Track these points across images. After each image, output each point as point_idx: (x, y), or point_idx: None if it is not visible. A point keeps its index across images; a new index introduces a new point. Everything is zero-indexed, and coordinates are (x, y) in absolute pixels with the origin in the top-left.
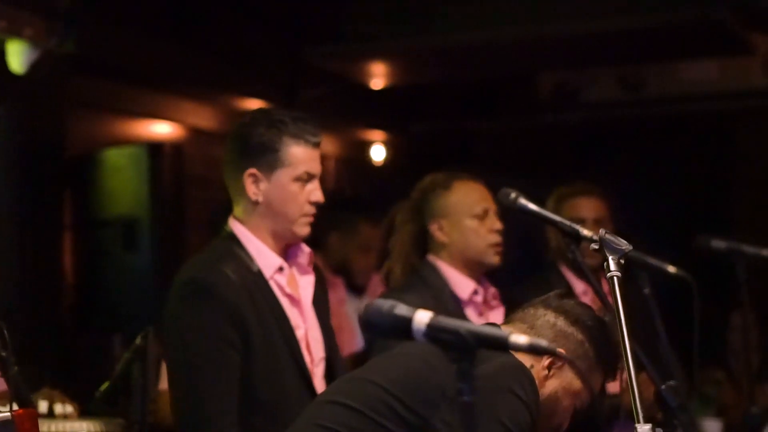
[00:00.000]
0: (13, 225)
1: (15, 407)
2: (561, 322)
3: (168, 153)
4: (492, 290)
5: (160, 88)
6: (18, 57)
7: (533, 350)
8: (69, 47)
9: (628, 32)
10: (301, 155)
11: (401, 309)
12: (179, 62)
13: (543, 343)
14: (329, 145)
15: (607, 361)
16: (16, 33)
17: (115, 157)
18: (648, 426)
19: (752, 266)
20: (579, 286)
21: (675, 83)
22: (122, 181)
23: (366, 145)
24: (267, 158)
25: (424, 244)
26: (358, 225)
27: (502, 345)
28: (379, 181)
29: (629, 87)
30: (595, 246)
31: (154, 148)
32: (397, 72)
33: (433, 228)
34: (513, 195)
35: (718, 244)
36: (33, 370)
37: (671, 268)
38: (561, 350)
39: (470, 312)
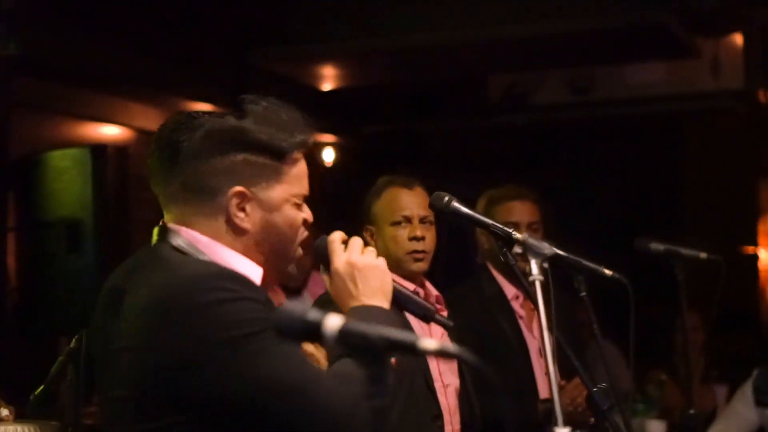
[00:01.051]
0: None
1: None
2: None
3: (112, 154)
4: (435, 294)
5: (105, 90)
6: None
7: (443, 354)
8: (11, 48)
9: (577, 35)
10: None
11: (312, 314)
12: (124, 64)
13: (452, 347)
14: None
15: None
16: None
17: (58, 159)
18: (567, 429)
19: (698, 268)
20: (510, 290)
21: (623, 86)
22: (66, 182)
23: (316, 147)
24: None
25: None
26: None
27: (410, 348)
28: (329, 183)
29: (578, 90)
30: (518, 249)
31: (98, 150)
32: (346, 74)
33: (366, 235)
34: (446, 198)
35: (657, 246)
36: None
37: (607, 271)
38: (467, 355)
39: (408, 314)
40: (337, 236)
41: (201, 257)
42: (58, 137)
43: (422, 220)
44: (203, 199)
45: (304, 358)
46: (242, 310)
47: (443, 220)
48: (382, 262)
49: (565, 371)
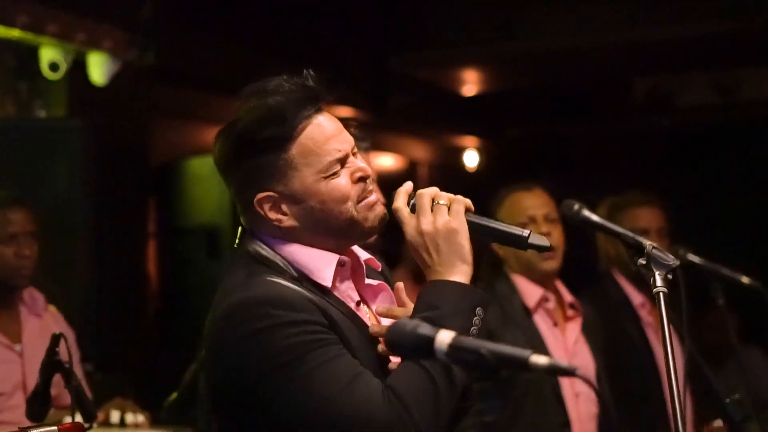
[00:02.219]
0: (98, 234)
1: (78, 418)
2: None
3: None
4: (569, 299)
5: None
6: (99, 69)
7: (553, 371)
8: (149, 58)
9: (722, 36)
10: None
11: (424, 329)
12: (263, 70)
13: (563, 364)
14: (421, 151)
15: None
16: (96, 45)
17: (197, 166)
18: None
19: None
20: (637, 297)
21: None
22: (205, 189)
23: (459, 151)
24: None
25: (498, 262)
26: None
27: (522, 365)
28: (472, 186)
29: (723, 91)
30: (642, 261)
31: None
32: (489, 78)
33: (495, 245)
34: (576, 206)
35: None
36: (115, 378)
37: (745, 279)
38: (583, 374)
39: (542, 320)
40: (400, 201)
41: (276, 259)
42: (198, 144)
43: (546, 218)
44: (248, 211)
45: (349, 377)
46: (279, 337)
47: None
48: (456, 222)
49: (697, 382)
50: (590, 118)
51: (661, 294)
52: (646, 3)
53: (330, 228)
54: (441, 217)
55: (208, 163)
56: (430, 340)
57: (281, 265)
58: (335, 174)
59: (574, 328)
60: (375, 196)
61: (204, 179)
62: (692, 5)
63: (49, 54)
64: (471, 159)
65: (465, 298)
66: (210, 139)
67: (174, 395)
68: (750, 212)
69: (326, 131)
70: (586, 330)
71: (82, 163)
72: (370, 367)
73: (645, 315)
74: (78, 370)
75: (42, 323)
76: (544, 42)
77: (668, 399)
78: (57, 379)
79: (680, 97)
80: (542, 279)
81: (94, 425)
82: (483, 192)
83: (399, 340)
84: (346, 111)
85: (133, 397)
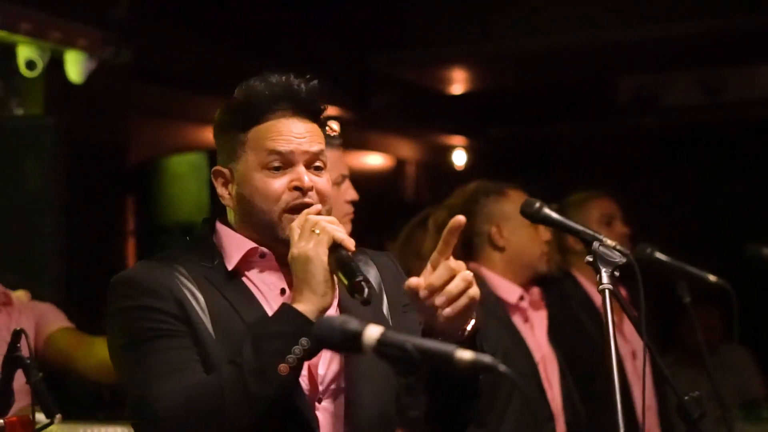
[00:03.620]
0: (77, 232)
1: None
2: None
3: None
4: (536, 290)
5: (221, 94)
6: (75, 67)
7: (478, 367)
8: (125, 56)
9: (708, 35)
10: (330, 160)
11: (352, 324)
12: (241, 68)
13: (487, 359)
14: (409, 150)
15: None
16: (71, 44)
17: (175, 165)
18: None
19: None
20: (598, 297)
21: (755, 87)
22: (183, 187)
23: (447, 150)
24: None
25: (469, 250)
26: (413, 233)
27: (447, 360)
28: (461, 185)
29: (709, 90)
30: (588, 258)
31: (215, 155)
32: (475, 77)
33: (493, 231)
34: (537, 205)
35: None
36: None
37: (711, 277)
38: (505, 368)
39: (516, 318)
40: (296, 222)
41: (203, 240)
42: (175, 142)
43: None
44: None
45: (165, 371)
46: (128, 319)
47: None
48: (313, 251)
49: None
50: (577, 117)
51: (606, 291)
52: (632, 1)
53: (251, 221)
54: (305, 244)
55: (185, 161)
56: (357, 335)
57: (206, 249)
58: (274, 171)
59: (541, 321)
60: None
61: (182, 177)
62: (677, 4)
63: (25, 52)
64: (459, 158)
65: (291, 324)
66: (187, 138)
67: None
68: (736, 211)
69: (285, 128)
70: (550, 324)
71: (57, 160)
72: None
73: (524, 307)
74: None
75: (6, 315)
76: (529, 41)
77: (635, 393)
78: None
79: (666, 97)
80: (525, 277)
81: (55, 421)
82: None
83: (327, 334)
84: (329, 110)
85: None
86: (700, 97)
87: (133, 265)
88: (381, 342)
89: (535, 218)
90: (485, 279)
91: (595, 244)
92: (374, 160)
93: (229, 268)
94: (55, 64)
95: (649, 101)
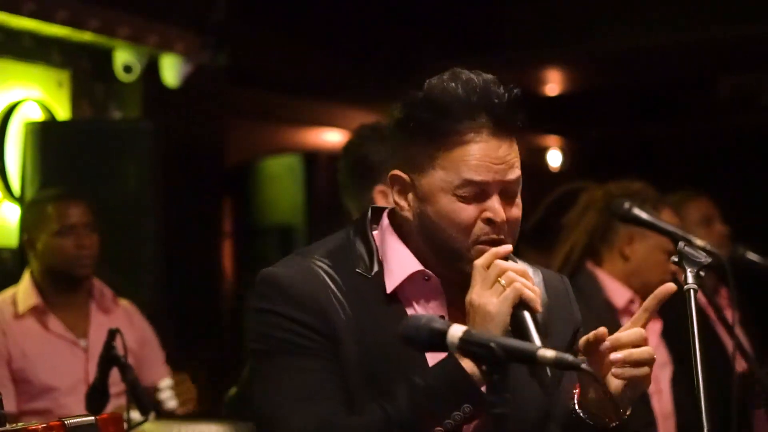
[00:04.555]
0: (175, 234)
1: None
2: None
3: (324, 161)
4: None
5: (317, 96)
6: (172, 71)
7: (560, 365)
8: (222, 60)
9: None
10: None
11: (437, 322)
12: (336, 70)
13: (569, 357)
14: None
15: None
16: (168, 48)
17: (272, 166)
18: None
19: None
20: (624, 295)
21: None
22: (279, 189)
23: (542, 151)
24: None
25: (590, 253)
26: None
27: (530, 359)
28: (556, 186)
29: None
30: (674, 258)
31: (310, 157)
32: (571, 78)
33: (623, 235)
34: (627, 205)
35: None
36: (189, 374)
37: None
38: (587, 366)
39: (625, 321)
40: (482, 260)
41: (362, 245)
42: (272, 144)
43: None
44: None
45: (300, 396)
46: (269, 324)
47: None
48: (497, 307)
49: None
50: (674, 117)
51: (691, 291)
52: (730, 0)
53: (434, 244)
54: (489, 296)
55: (282, 164)
56: (442, 334)
57: (365, 254)
58: (465, 198)
59: (653, 327)
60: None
61: (278, 179)
62: None
63: (122, 56)
64: (554, 159)
65: (459, 388)
66: (283, 140)
67: (233, 390)
68: None
69: (482, 153)
70: (666, 333)
71: (154, 163)
72: (390, 385)
73: (635, 310)
74: (161, 369)
75: (110, 319)
76: (626, 41)
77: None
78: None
79: (765, 96)
80: (638, 286)
81: (149, 418)
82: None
83: (413, 333)
84: None
85: (207, 395)
86: None
87: (284, 261)
88: (464, 340)
89: (625, 218)
90: (597, 279)
91: (681, 243)
92: None
93: (389, 289)
94: (152, 68)
95: (748, 100)
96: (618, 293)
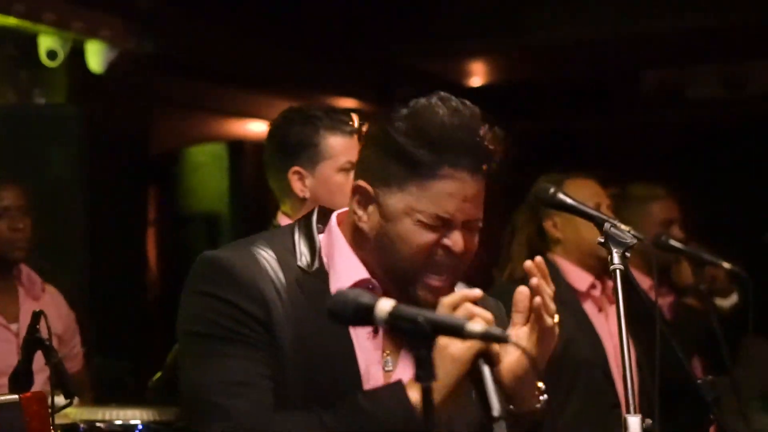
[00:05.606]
0: (100, 221)
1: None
2: None
3: (249, 150)
4: (611, 285)
5: (245, 86)
6: (97, 57)
7: (488, 338)
8: (148, 47)
9: (732, 29)
10: (340, 146)
11: (364, 297)
12: (264, 60)
13: (497, 330)
14: None
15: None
16: (94, 33)
17: (197, 154)
18: (637, 417)
19: None
20: (586, 281)
21: None
22: (204, 177)
23: None
24: (308, 154)
25: (542, 243)
26: None
27: (458, 332)
28: None
29: (732, 85)
30: (600, 239)
31: (235, 146)
32: (496, 70)
33: (548, 225)
34: (552, 189)
35: None
36: (112, 362)
37: (726, 264)
38: (514, 340)
39: (589, 306)
40: (449, 300)
41: (316, 246)
42: (197, 133)
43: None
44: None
45: (238, 380)
46: (209, 308)
47: None
48: (461, 352)
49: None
50: (599, 111)
51: (617, 271)
52: None
53: (386, 261)
54: (457, 339)
55: (207, 152)
56: (370, 308)
57: (309, 250)
58: (428, 227)
59: (616, 313)
60: (442, 281)
61: (203, 167)
62: None
63: (47, 42)
64: None
65: (403, 417)
66: (209, 128)
67: (158, 375)
68: (758, 205)
69: (456, 191)
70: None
71: (79, 149)
72: (320, 389)
73: (597, 295)
74: (78, 352)
75: (39, 305)
76: (552, 34)
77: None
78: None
79: (690, 90)
80: (594, 265)
81: (74, 402)
82: (490, 184)
83: (341, 307)
84: (350, 102)
85: (131, 382)
86: (723, 91)
87: (229, 246)
88: (393, 315)
89: (549, 203)
90: (558, 266)
91: (606, 225)
92: None
93: (333, 290)
94: (77, 54)
95: (673, 94)
96: (579, 278)
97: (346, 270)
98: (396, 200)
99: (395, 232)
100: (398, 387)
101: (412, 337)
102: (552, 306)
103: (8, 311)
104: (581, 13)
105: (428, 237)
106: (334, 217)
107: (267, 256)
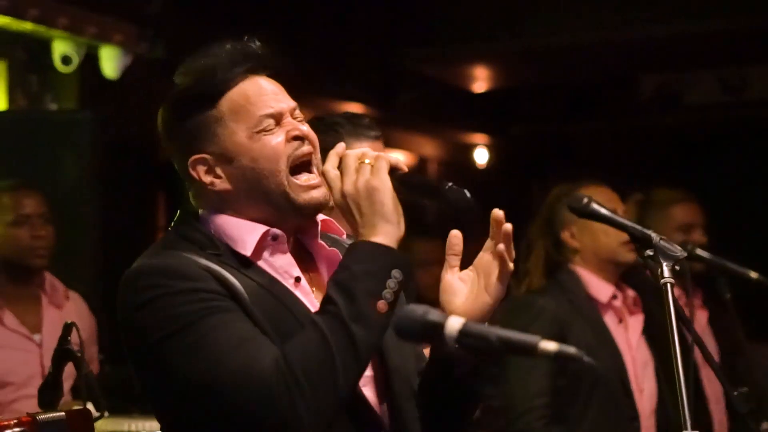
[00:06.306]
0: (107, 226)
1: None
2: None
3: None
4: (632, 295)
5: None
6: (111, 62)
7: (561, 358)
8: (159, 51)
9: (730, 34)
10: None
11: (433, 315)
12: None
13: (571, 349)
14: (431, 148)
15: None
16: (107, 39)
17: None
18: None
19: None
20: (607, 291)
21: None
22: None
23: (469, 148)
24: None
25: (559, 255)
26: (411, 245)
27: (530, 351)
28: (483, 184)
29: (730, 89)
30: (649, 252)
31: None
32: (497, 75)
33: (565, 236)
34: (585, 200)
35: None
36: (124, 370)
37: (753, 274)
38: (590, 360)
39: (609, 317)
40: (329, 164)
41: (197, 234)
42: None
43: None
44: (188, 183)
45: (238, 341)
46: (170, 305)
47: None
48: (376, 179)
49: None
50: (598, 115)
51: (668, 285)
52: (654, 0)
53: (262, 191)
54: (362, 176)
55: None
56: (439, 326)
57: (204, 238)
58: (268, 131)
59: (636, 324)
60: (314, 177)
61: None
62: (699, 2)
63: (61, 47)
64: (481, 156)
65: (377, 259)
66: None
67: None
68: (757, 211)
69: (260, 88)
70: (647, 330)
71: (91, 155)
72: (293, 332)
73: (616, 308)
74: (95, 359)
75: (62, 313)
76: (552, 39)
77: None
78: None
79: (687, 95)
80: (613, 273)
81: (105, 414)
82: (493, 189)
83: (408, 326)
84: (354, 107)
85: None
86: (721, 96)
87: (146, 255)
88: (463, 333)
89: (582, 214)
90: (580, 277)
91: (655, 237)
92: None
93: (248, 253)
94: (90, 60)
95: (671, 100)
96: (600, 288)
97: (246, 232)
98: (227, 138)
99: (251, 158)
100: (362, 244)
101: (484, 355)
102: (513, 252)
103: (31, 321)
104: (581, 18)
105: (275, 139)
106: (199, 213)
107: (183, 253)
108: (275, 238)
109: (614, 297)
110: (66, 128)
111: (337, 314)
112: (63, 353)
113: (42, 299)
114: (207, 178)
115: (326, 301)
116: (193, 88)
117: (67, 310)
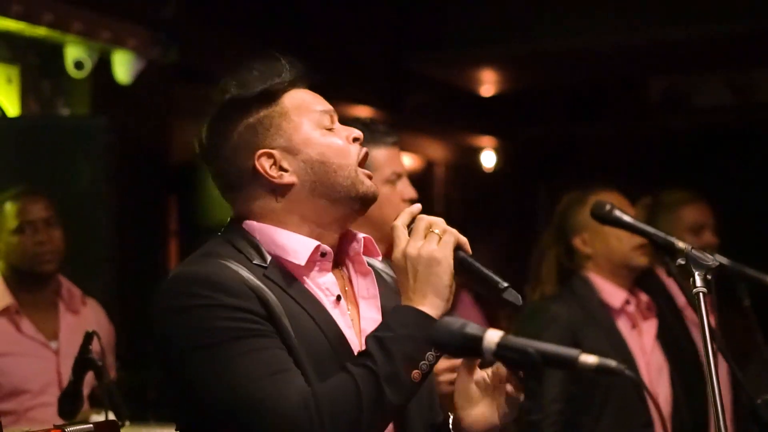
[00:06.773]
0: (119, 231)
1: (111, 416)
2: None
3: None
4: (645, 300)
5: None
6: (124, 67)
7: (602, 371)
8: (172, 57)
9: (739, 37)
10: (384, 157)
11: (472, 328)
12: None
13: (612, 363)
14: (439, 151)
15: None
16: (120, 43)
17: None
18: None
19: None
20: (619, 297)
21: None
22: None
23: (476, 151)
24: None
25: (571, 261)
26: None
27: (570, 365)
28: (489, 187)
29: (739, 92)
30: (681, 261)
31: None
32: (506, 78)
33: (577, 242)
34: (608, 206)
35: None
36: (138, 376)
37: None
38: (630, 372)
39: (622, 322)
40: (401, 220)
41: (243, 244)
42: None
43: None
44: (240, 188)
45: (271, 371)
46: (207, 318)
47: None
48: (441, 252)
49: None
50: (607, 118)
51: (701, 294)
52: (663, 3)
53: (329, 183)
54: (429, 244)
55: None
56: (478, 340)
57: (251, 248)
58: (330, 129)
59: (650, 329)
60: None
61: None
62: (708, 6)
63: (74, 52)
64: (488, 159)
65: (422, 328)
66: None
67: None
68: (766, 213)
69: (308, 93)
70: (662, 331)
71: (104, 160)
72: (324, 366)
73: (629, 315)
74: (112, 366)
75: (79, 319)
76: (560, 42)
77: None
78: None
79: (696, 98)
80: (627, 278)
81: (126, 423)
82: (500, 192)
83: (446, 339)
84: (363, 110)
85: (154, 395)
86: (729, 98)
87: (192, 261)
88: (501, 346)
89: (606, 221)
90: (593, 283)
91: (687, 247)
92: (404, 162)
93: (302, 262)
94: (103, 64)
95: (679, 102)
96: (613, 294)
97: (295, 245)
98: (292, 131)
99: (319, 152)
100: (403, 307)
101: (523, 368)
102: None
103: (48, 328)
104: (590, 21)
105: (339, 137)
106: (246, 222)
107: (229, 263)
108: (324, 254)
109: (627, 302)
110: (79, 134)
111: (374, 371)
112: (84, 362)
113: (59, 306)
114: (274, 172)
115: (365, 354)
116: (251, 88)
117: (84, 316)
